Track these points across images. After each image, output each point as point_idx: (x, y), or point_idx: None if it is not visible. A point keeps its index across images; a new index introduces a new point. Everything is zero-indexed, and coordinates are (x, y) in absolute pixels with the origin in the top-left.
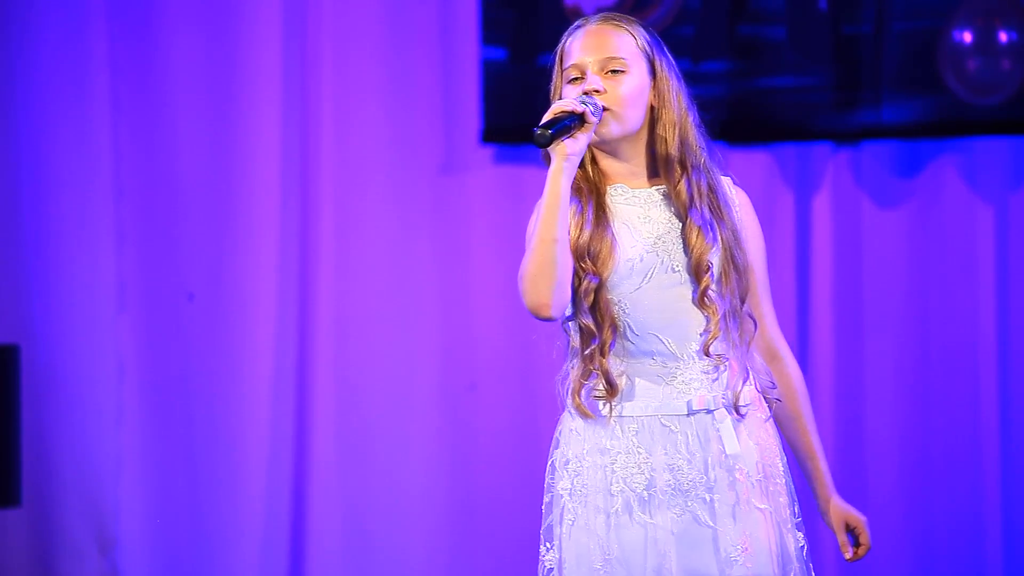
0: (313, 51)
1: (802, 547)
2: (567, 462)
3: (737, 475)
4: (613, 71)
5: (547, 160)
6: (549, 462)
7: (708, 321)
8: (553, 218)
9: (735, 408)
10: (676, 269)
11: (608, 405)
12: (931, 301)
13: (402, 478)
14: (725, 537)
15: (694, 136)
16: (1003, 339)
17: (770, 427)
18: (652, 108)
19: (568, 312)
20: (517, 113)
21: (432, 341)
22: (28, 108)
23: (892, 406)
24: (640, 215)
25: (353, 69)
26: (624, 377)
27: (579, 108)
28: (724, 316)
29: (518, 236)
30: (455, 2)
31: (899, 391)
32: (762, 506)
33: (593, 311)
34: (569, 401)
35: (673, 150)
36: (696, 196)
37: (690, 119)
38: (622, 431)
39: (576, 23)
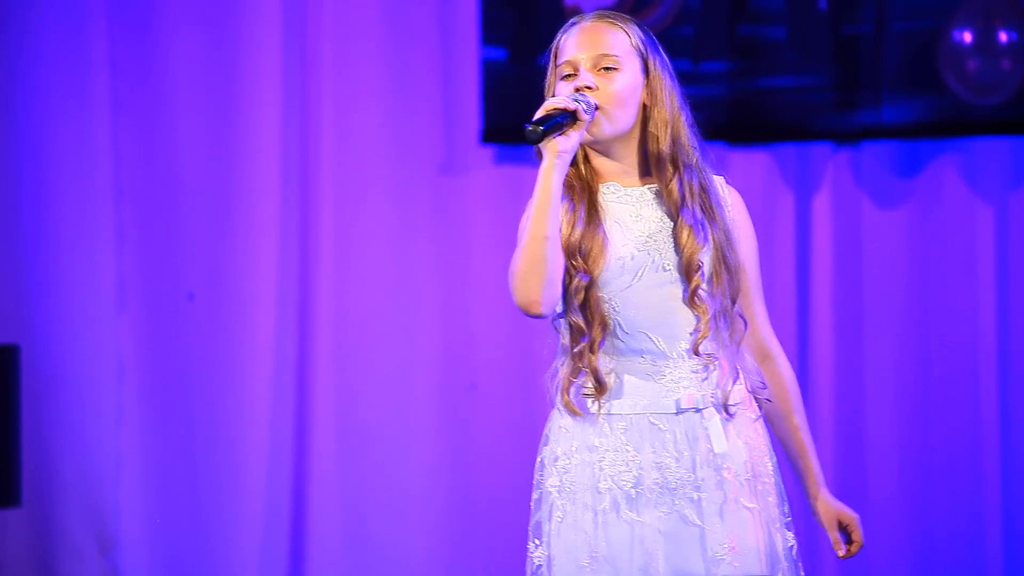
0: (313, 51)
1: (791, 546)
2: (556, 459)
3: (725, 474)
4: (606, 68)
5: (540, 157)
6: (538, 459)
7: (698, 320)
8: (544, 215)
9: (724, 407)
10: (667, 268)
11: (597, 403)
12: (931, 301)
13: (402, 478)
14: (712, 536)
15: (687, 135)
16: (1003, 339)
17: (760, 427)
18: (645, 106)
19: (559, 309)
20: (517, 113)
21: (432, 341)
22: (28, 108)
23: (892, 406)
24: (632, 214)
25: (353, 69)
26: (613, 375)
27: (571, 105)
28: (714, 316)
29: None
30: (455, 2)
31: (899, 391)
32: (750, 505)
33: (583, 309)
34: (558, 398)
35: (665, 149)
36: (688, 195)
37: (683, 118)
38: (610, 429)
39: (571, 20)
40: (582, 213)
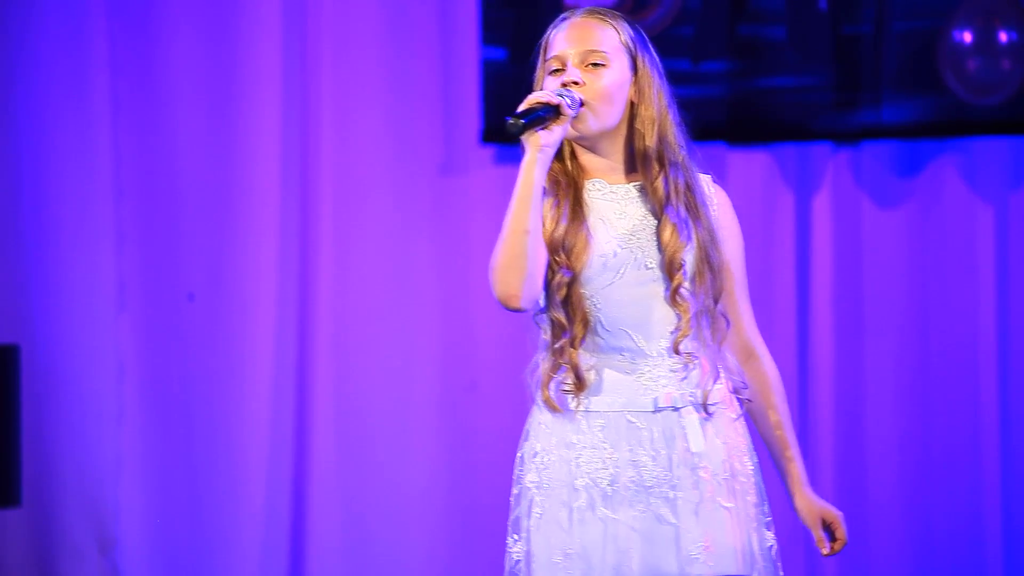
0: (313, 51)
1: (771, 546)
2: (535, 455)
3: (702, 473)
4: (594, 64)
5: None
6: (518, 454)
7: (679, 319)
8: (525, 209)
9: (703, 406)
10: (649, 266)
11: (576, 399)
12: (931, 301)
13: (402, 478)
14: (687, 535)
15: (674, 133)
16: (1003, 339)
17: (740, 426)
18: (632, 104)
19: (541, 304)
20: None
21: (432, 341)
22: (28, 108)
23: (892, 406)
24: (617, 211)
25: (353, 69)
26: (593, 372)
27: (554, 100)
28: (696, 315)
29: None
30: (455, 2)
31: (899, 391)
32: (728, 505)
33: (565, 305)
34: (538, 394)
35: (651, 146)
36: (673, 193)
37: (670, 116)
38: (588, 426)
39: (561, 15)
40: (566, 209)
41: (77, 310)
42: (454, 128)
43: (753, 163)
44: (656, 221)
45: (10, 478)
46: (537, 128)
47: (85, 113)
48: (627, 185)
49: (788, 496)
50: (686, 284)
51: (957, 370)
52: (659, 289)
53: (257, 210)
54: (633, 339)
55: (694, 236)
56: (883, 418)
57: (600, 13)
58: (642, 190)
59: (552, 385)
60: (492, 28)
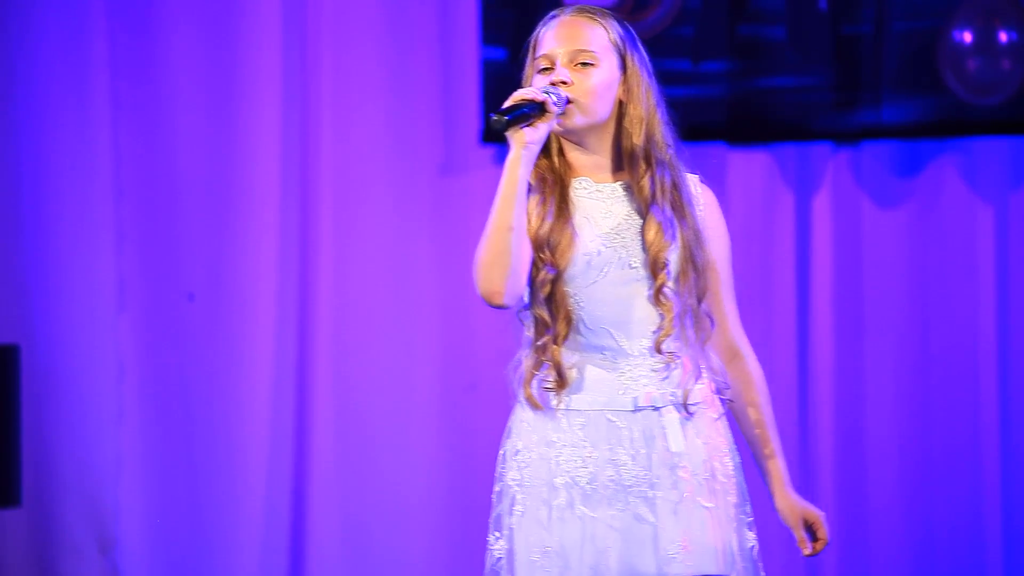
0: (313, 51)
1: (752, 547)
2: (517, 453)
3: (681, 473)
4: (583, 63)
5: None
6: (501, 452)
7: (662, 319)
8: (509, 206)
9: (684, 406)
10: (633, 265)
11: (557, 397)
12: (931, 301)
13: (402, 478)
14: (665, 534)
15: (661, 132)
16: (1003, 339)
17: (721, 426)
18: (621, 103)
19: (526, 300)
20: None
21: (432, 341)
22: (28, 108)
23: (892, 406)
24: (602, 210)
25: (353, 69)
26: (574, 370)
27: (540, 97)
28: (679, 314)
29: None
30: (455, 2)
31: (899, 391)
32: (708, 504)
33: (549, 302)
34: (520, 392)
35: (639, 145)
36: (658, 192)
37: (658, 115)
38: (568, 424)
39: (551, 13)
40: (552, 207)
41: (77, 310)
42: (454, 128)
43: (753, 163)
44: (641, 220)
45: (10, 478)
46: (522, 125)
47: (85, 113)
48: (613, 184)
49: (770, 496)
50: (670, 284)
51: (957, 370)
52: (642, 288)
53: (257, 210)
54: (614, 338)
55: (679, 235)
56: (883, 418)
57: (590, 12)
58: (628, 188)
59: (534, 383)
60: (492, 28)
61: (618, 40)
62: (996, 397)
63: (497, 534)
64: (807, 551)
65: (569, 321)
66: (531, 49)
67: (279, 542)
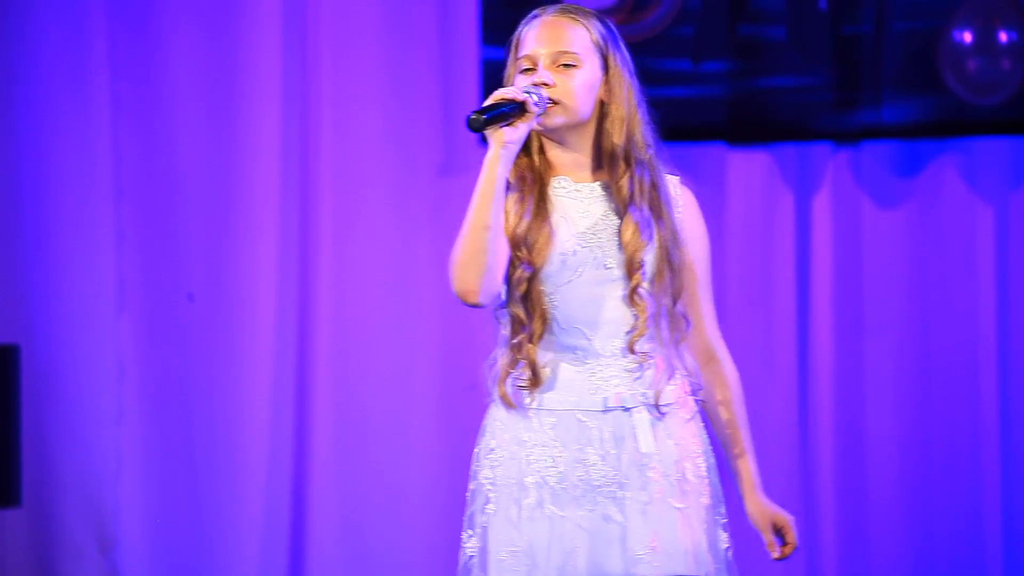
0: (313, 51)
1: (726, 548)
2: (490, 451)
3: (651, 474)
4: (565, 64)
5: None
6: (475, 451)
7: (635, 319)
8: (486, 205)
9: (655, 407)
10: (608, 266)
11: (530, 396)
12: (931, 301)
13: (402, 478)
14: (633, 535)
15: (642, 133)
16: (1003, 339)
17: (694, 427)
18: (602, 102)
19: (504, 298)
20: None
21: (432, 341)
22: (28, 108)
23: (892, 406)
24: (580, 210)
25: (353, 69)
26: (547, 369)
27: (520, 96)
28: (653, 315)
29: None
30: (455, 2)
31: (899, 391)
32: (679, 505)
33: (525, 301)
34: (494, 390)
35: (619, 145)
36: (637, 193)
37: (639, 116)
38: (540, 424)
39: (533, 12)
40: (531, 205)
41: (77, 310)
42: (454, 128)
43: (753, 163)
44: (619, 220)
45: (10, 478)
46: (501, 124)
47: (85, 113)
48: (592, 183)
49: (741, 498)
50: (644, 284)
51: (957, 370)
52: (617, 289)
53: (257, 210)
54: (587, 337)
55: (656, 236)
56: (883, 418)
57: (572, 12)
58: (607, 188)
59: (509, 381)
60: (492, 28)
61: (600, 40)
62: (996, 397)
63: (470, 532)
64: (776, 555)
65: (544, 320)
66: (513, 48)
67: (279, 542)
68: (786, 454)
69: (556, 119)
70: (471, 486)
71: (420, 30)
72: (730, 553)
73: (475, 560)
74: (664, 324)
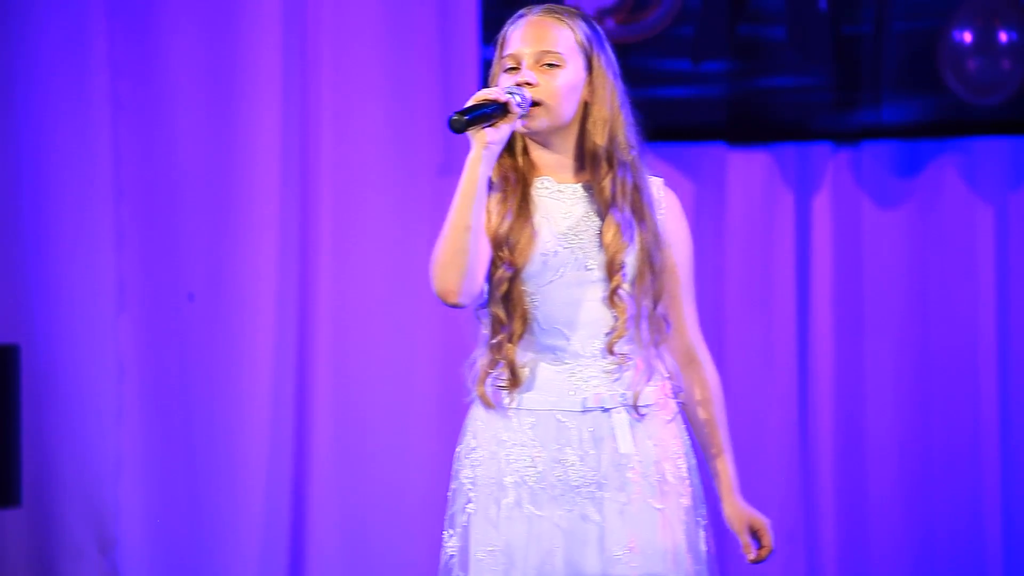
0: (313, 51)
1: (705, 549)
2: (471, 451)
3: (630, 475)
4: (549, 64)
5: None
6: (457, 450)
7: (615, 320)
8: (467, 205)
9: (634, 408)
10: (589, 267)
11: (510, 396)
12: (931, 301)
13: (402, 478)
14: (611, 535)
15: (624, 134)
16: (1003, 339)
17: (675, 428)
18: (585, 103)
19: (485, 299)
20: None
21: (432, 341)
22: (28, 108)
23: (892, 406)
24: (562, 211)
25: (353, 69)
26: (527, 369)
27: (503, 97)
28: (633, 316)
29: None
30: (455, 2)
31: (899, 391)
32: (658, 506)
33: (505, 301)
34: (474, 390)
35: (602, 146)
36: (619, 194)
37: (623, 117)
38: (519, 423)
39: (519, 12)
40: (513, 205)
41: (77, 310)
42: None
43: (753, 163)
44: (600, 221)
45: (10, 478)
46: (483, 125)
47: (85, 113)
48: (575, 185)
49: (719, 500)
50: (625, 286)
51: (957, 370)
52: (598, 290)
53: (257, 210)
54: (567, 338)
55: (637, 237)
56: (883, 418)
57: (557, 12)
58: (589, 189)
59: (488, 381)
60: (492, 28)
61: (585, 41)
62: (996, 397)
63: (451, 531)
64: (751, 557)
65: (525, 320)
66: (498, 47)
67: (279, 542)
68: (786, 454)
69: (539, 120)
70: (452, 486)
71: (420, 30)
72: (710, 554)
73: (456, 560)
74: (644, 326)
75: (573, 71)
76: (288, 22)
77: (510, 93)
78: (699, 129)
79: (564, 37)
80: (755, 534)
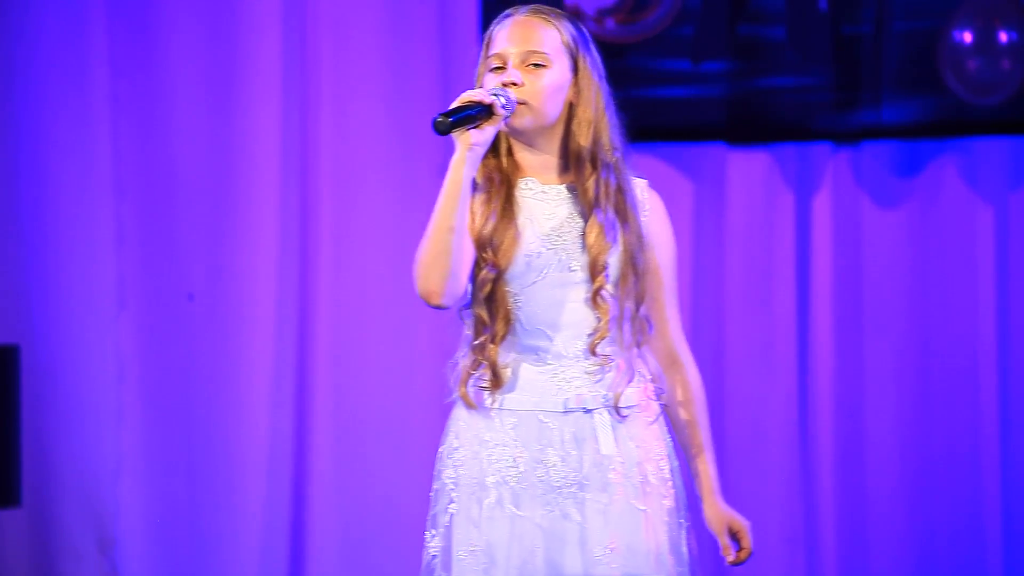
0: (313, 51)
1: (687, 550)
2: (453, 451)
3: (611, 475)
4: (534, 64)
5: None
6: (439, 451)
7: (598, 321)
8: (451, 207)
9: (616, 409)
10: (573, 268)
11: (491, 396)
12: (931, 301)
13: (402, 478)
14: (593, 535)
15: (609, 135)
16: (1003, 339)
17: (657, 430)
18: (570, 105)
19: (467, 300)
20: None
21: (432, 341)
22: (28, 107)
23: (892, 406)
24: (546, 212)
25: (353, 69)
26: (509, 369)
27: (487, 99)
28: (616, 318)
29: None
30: (455, 2)
31: (899, 391)
32: (641, 507)
33: (489, 302)
34: (456, 390)
35: (586, 147)
36: (603, 195)
37: (607, 118)
38: (501, 424)
39: (506, 12)
40: (497, 206)
41: (77, 310)
42: None
43: (753, 163)
44: (584, 222)
45: (10, 478)
46: (468, 127)
47: (85, 112)
48: (559, 186)
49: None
50: (608, 287)
51: (957, 370)
52: (581, 291)
53: (257, 210)
54: (550, 339)
55: (620, 239)
56: (883, 418)
57: (544, 12)
58: (573, 190)
59: (470, 382)
60: None
61: (571, 42)
62: (996, 397)
63: (433, 531)
64: (731, 559)
65: (508, 321)
66: (484, 47)
67: (279, 542)
68: (786, 454)
69: (524, 120)
70: (435, 486)
71: (420, 30)
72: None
73: (438, 560)
74: (627, 327)
75: (559, 72)
76: (288, 21)
77: (495, 95)
78: (699, 129)
79: (550, 38)
80: (735, 536)
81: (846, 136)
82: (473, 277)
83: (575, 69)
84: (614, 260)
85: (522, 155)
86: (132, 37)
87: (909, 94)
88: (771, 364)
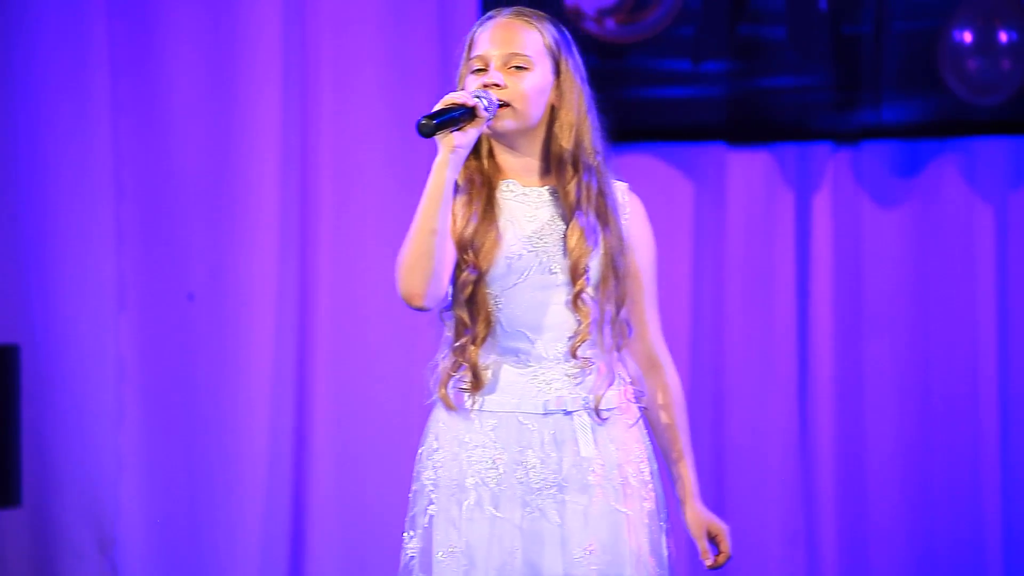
0: (313, 51)
1: (666, 553)
2: (433, 452)
3: (591, 478)
4: (517, 67)
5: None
6: (419, 452)
7: (578, 324)
8: (433, 209)
9: (596, 411)
10: (554, 271)
11: (471, 398)
12: (931, 301)
13: (402, 478)
14: (572, 537)
15: (590, 138)
16: (1003, 339)
17: (637, 432)
18: (552, 107)
19: (448, 302)
20: None
21: (432, 341)
22: (28, 107)
23: (892, 407)
24: (527, 214)
25: (353, 69)
26: (489, 371)
27: (470, 102)
28: (596, 321)
29: None
30: (455, 2)
31: (899, 391)
32: (621, 509)
33: (469, 303)
34: (436, 392)
35: (567, 150)
36: (584, 198)
37: (589, 121)
38: (481, 425)
39: (488, 13)
40: (478, 208)
41: (77, 310)
42: None
43: (753, 163)
44: (565, 225)
45: (10, 478)
46: (451, 129)
47: (85, 112)
48: (540, 188)
49: (679, 505)
50: (589, 290)
51: (957, 370)
52: (562, 293)
53: (257, 210)
54: (530, 341)
55: (601, 242)
56: (883, 418)
57: (526, 15)
58: (555, 193)
59: (451, 383)
60: None
61: (553, 44)
62: (996, 397)
63: (411, 532)
64: (709, 562)
65: (489, 323)
66: (466, 48)
67: (279, 542)
68: (786, 454)
69: (506, 122)
70: (414, 487)
71: (420, 29)
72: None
73: (416, 561)
74: (607, 330)
75: (541, 74)
76: (288, 21)
77: (478, 97)
78: (699, 129)
79: (533, 40)
80: (713, 539)
81: (846, 136)
82: (454, 279)
83: (557, 72)
84: (595, 263)
85: (504, 157)
86: (132, 37)
87: (909, 94)
88: (771, 364)
